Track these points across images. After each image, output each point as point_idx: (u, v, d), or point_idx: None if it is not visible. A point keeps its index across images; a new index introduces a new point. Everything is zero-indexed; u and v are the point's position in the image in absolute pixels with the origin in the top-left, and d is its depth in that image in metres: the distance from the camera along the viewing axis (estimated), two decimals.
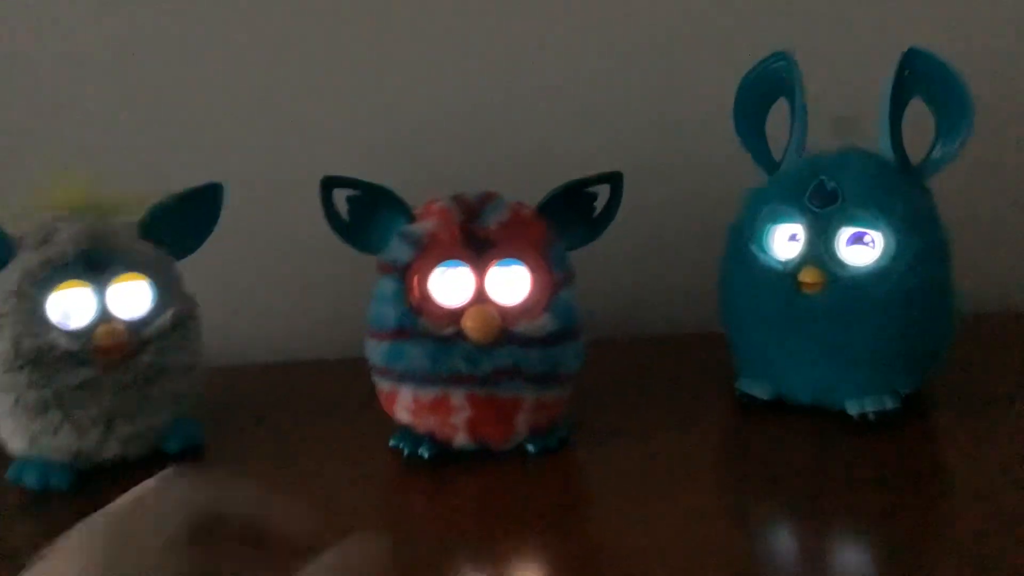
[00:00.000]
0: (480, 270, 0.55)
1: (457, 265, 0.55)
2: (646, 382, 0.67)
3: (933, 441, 0.58)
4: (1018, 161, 0.77)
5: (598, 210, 0.58)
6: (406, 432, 0.56)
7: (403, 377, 0.54)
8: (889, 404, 0.57)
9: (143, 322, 0.56)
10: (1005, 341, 0.71)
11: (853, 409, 0.58)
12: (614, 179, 0.58)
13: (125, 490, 0.51)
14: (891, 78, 0.57)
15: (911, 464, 0.55)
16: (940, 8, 0.76)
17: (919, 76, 0.57)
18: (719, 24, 0.76)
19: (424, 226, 0.55)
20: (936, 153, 0.58)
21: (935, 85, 0.57)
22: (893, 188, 0.57)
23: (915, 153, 0.59)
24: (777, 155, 0.62)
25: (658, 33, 0.76)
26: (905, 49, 0.57)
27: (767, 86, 0.62)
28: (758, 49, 0.62)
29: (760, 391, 0.61)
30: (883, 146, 0.58)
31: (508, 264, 0.55)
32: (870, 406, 0.57)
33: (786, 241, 0.59)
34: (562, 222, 0.57)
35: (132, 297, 0.56)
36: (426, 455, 0.55)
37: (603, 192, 0.58)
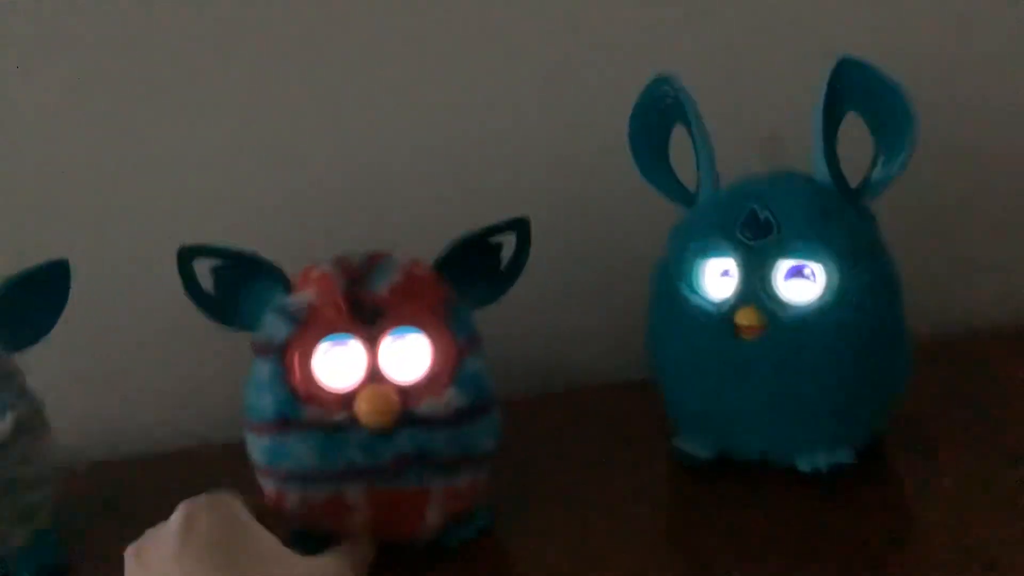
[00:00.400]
0: (372, 343, 0.48)
1: (344, 339, 0.48)
2: (573, 444, 0.60)
3: (891, 497, 0.53)
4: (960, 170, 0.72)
5: (505, 262, 0.52)
6: (298, 537, 0.47)
7: (289, 477, 0.47)
8: (843, 458, 0.51)
9: None
10: (964, 365, 0.65)
11: (805, 465, 0.52)
12: (520, 226, 0.51)
13: None
14: (822, 92, 0.50)
15: (870, 527, 0.49)
16: (871, 10, 0.70)
17: (853, 88, 0.51)
18: (620, 46, 0.68)
19: (303, 297, 0.48)
20: (877, 173, 0.52)
21: (872, 97, 0.51)
22: (832, 214, 0.51)
23: (854, 175, 0.53)
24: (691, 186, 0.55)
25: (553, 61, 0.69)
26: (836, 59, 0.50)
27: (657, 115, 0.55)
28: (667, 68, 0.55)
29: (701, 449, 0.54)
30: (818, 168, 0.52)
31: (403, 333, 0.48)
32: (823, 461, 0.51)
33: (718, 278, 0.52)
34: (464, 279, 0.50)
35: None
36: None
37: (509, 242, 0.51)
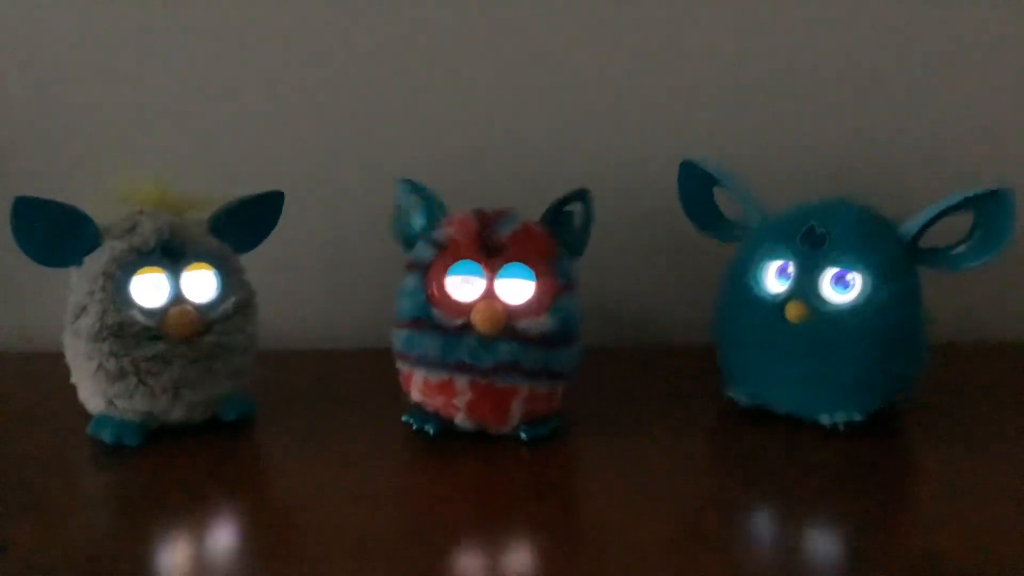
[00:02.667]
0: (491, 271, 0.61)
1: (471, 265, 0.61)
2: (641, 386, 0.74)
3: (894, 450, 0.63)
4: None
5: (576, 225, 0.65)
6: (416, 410, 0.63)
7: (417, 362, 0.61)
8: (856, 417, 0.63)
9: (209, 306, 0.63)
10: (970, 368, 0.77)
11: (825, 420, 0.63)
12: (582, 196, 0.64)
13: (186, 451, 0.61)
14: (964, 198, 0.62)
15: (872, 468, 0.60)
16: None
17: (984, 207, 0.62)
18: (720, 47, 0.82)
19: (446, 231, 0.62)
20: (957, 251, 0.64)
21: (994, 215, 0.62)
22: (873, 238, 0.63)
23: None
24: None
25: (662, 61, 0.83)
26: (991, 188, 0.62)
27: (698, 186, 0.69)
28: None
29: (746, 399, 0.66)
30: (913, 222, 0.63)
31: (516, 267, 0.61)
32: (840, 418, 0.63)
33: (777, 276, 0.64)
34: (559, 237, 0.63)
35: (201, 284, 0.64)
36: (431, 431, 0.62)
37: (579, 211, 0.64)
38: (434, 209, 0.63)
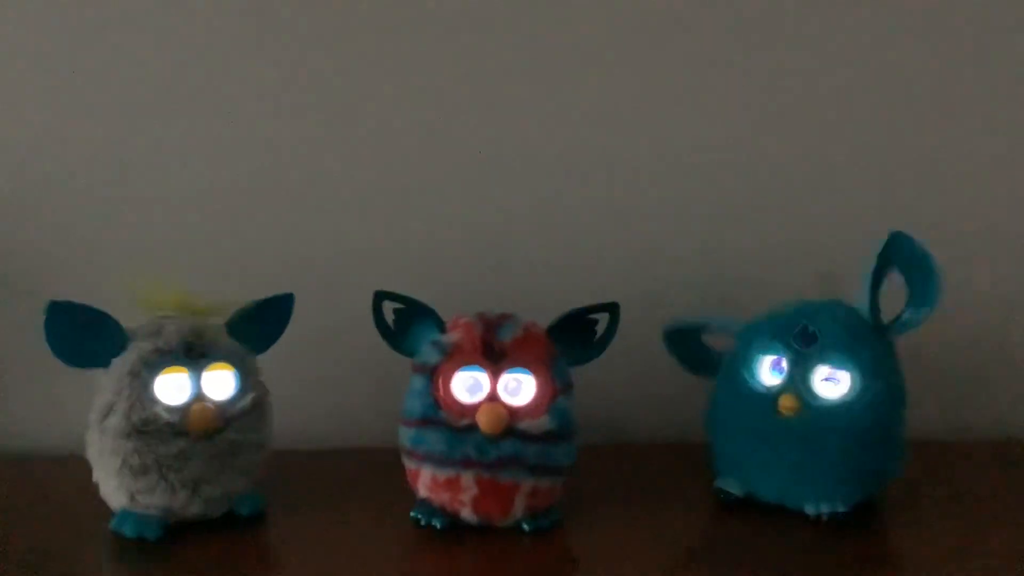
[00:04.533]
0: (495, 375, 0.65)
1: (475, 370, 0.65)
2: (634, 480, 0.77)
3: (875, 540, 0.67)
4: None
5: (598, 334, 0.69)
6: (423, 505, 0.66)
7: (424, 459, 0.65)
8: (840, 508, 0.66)
9: (228, 403, 0.66)
10: (945, 465, 0.80)
11: (811, 510, 0.67)
12: (612, 308, 0.68)
13: (203, 545, 0.64)
14: (875, 253, 0.67)
15: (855, 556, 0.63)
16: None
17: (900, 254, 0.67)
18: (708, 168, 0.88)
19: (452, 336, 0.66)
20: (905, 317, 0.68)
21: (913, 266, 0.67)
22: (862, 338, 0.67)
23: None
24: None
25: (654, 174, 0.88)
26: (889, 232, 0.67)
27: (684, 339, 0.75)
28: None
29: (736, 488, 0.70)
30: (861, 308, 0.68)
31: (517, 372, 0.65)
32: (825, 508, 0.66)
33: (770, 370, 0.69)
34: (567, 342, 0.67)
35: (221, 383, 0.67)
36: (438, 526, 0.65)
37: (603, 319, 0.68)
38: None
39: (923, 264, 0.67)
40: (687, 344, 0.75)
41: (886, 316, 0.68)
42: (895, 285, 0.68)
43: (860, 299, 0.68)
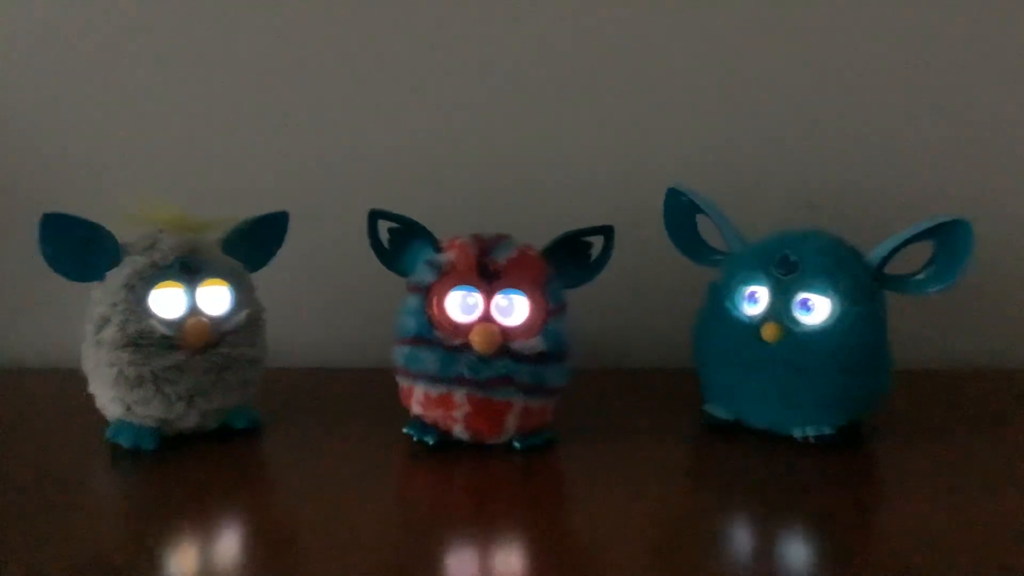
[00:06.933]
0: (488, 295, 0.65)
1: (469, 290, 0.66)
2: (626, 403, 0.78)
3: (860, 461, 0.68)
4: None
5: (593, 256, 0.69)
6: (416, 422, 0.67)
7: (418, 376, 0.66)
8: (826, 431, 0.68)
9: (223, 319, 0.67)
10: (931, 393, 0.82)
11: (797, 434, 0.68)
12: (607, 232, 0.69)
13: (199, 456, 0.65)
14: (930, 224, 0.67)
15: (841, 477, 0.65)
16: None
17: (951, 238, 0.67)
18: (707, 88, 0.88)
19: (446, 256, 0.66)
20: (910, 283, 0.69)
21: (952, 252, 0.67)
22: (842, 265, 0.68)
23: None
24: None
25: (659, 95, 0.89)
26: (950, 217, 0.67)
27: (682, 212, 0.74)
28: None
29: (724, 414, 0.71)
30: (880, 249, 0.68)
31: (511, 293, 0.66)
32: (811, 432, 0.68)
33: (752, 299, 0.69)
34: (562, 264, 0.68)
35: (215, 298, 0.68)
36: (431, 442, 0.66)
37: (598, 242, 0.69)
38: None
39: (961, 256, 0.66)
40: (682, 220, 0.75)
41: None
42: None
43: (883, 247, 0.68)
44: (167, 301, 0.66)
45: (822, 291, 0.67)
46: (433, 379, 0.65)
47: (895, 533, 0.57)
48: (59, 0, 0.85)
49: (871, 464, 0.68)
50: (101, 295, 0.66)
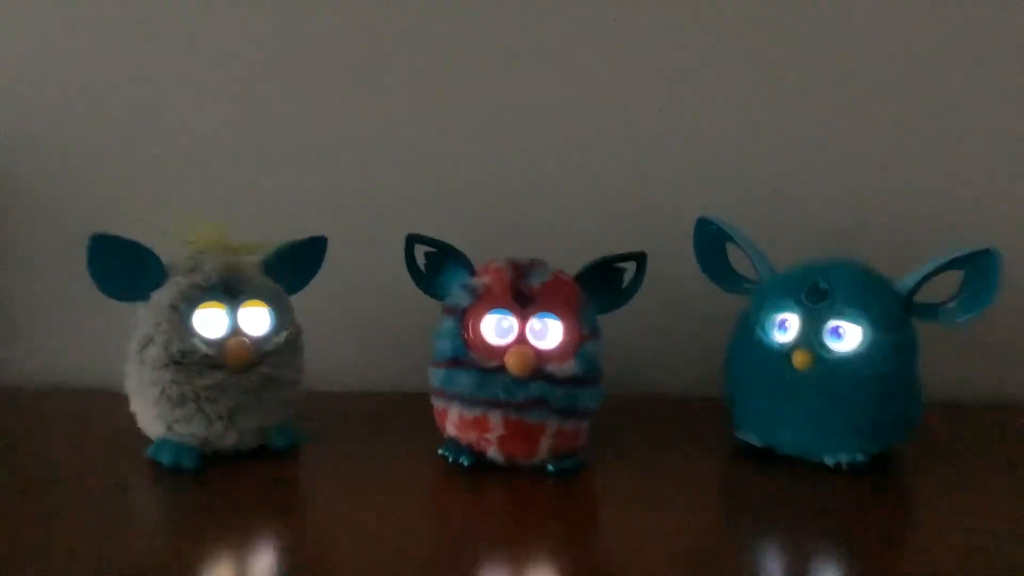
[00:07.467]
0: (523, 319, 0.66)
1: (505, 313, 0.67)
2: (658, 429, 0.79)
3: (893, 491, 0.68)
4: None
5: (625, 283, 0.70)
6: (451, 444, 0.68)
7: (453, 398, 0.67)
8: (859, 458, 0.68)
9: (263, 339, 0.69)
10: (977, 428, 0.81)
11: (829, 461, 0.68)
12: (640, 258, 0.69)
13: (238, 475, 0.66)
14: (962, 254, 0.67)
15: (873, 505, 0.64)
16: None
17: (980, 268, 0.68)
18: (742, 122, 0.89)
19: (482, 280, 0.68)
20: (948, 306, 0.69)
21: (980, 284, 0.68)
22: (872, 293, 0.68)
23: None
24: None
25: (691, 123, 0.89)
26: (979, 247, 0.67)
27: (712, 241, 0.75)
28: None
29: (755, 440, 0.72)
30: (910, 278, 0.69)
31: (545, 316, 0.67)
32: (844, 459, 0.68)
33: (783, 327, 0.70)
34: (594, 289, 0.69)
35: (256, 319, 0.69)
36: (465, 463, 0.67)
37: (630, 269, 0.70)
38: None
39: (989, 288, 0.67)
40: (712, 248, 0.76)
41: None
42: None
43: (913, 276, 0.68)
44: (209, 321, 0.68)
45: (853, 319, 0.67)
46: (468, 401, 0.66)
47: (921, 564, 0.57)
48: (109, 26, 0.88)
49: (903, 494, 0.68)
50: (145, 315, 0.68)
